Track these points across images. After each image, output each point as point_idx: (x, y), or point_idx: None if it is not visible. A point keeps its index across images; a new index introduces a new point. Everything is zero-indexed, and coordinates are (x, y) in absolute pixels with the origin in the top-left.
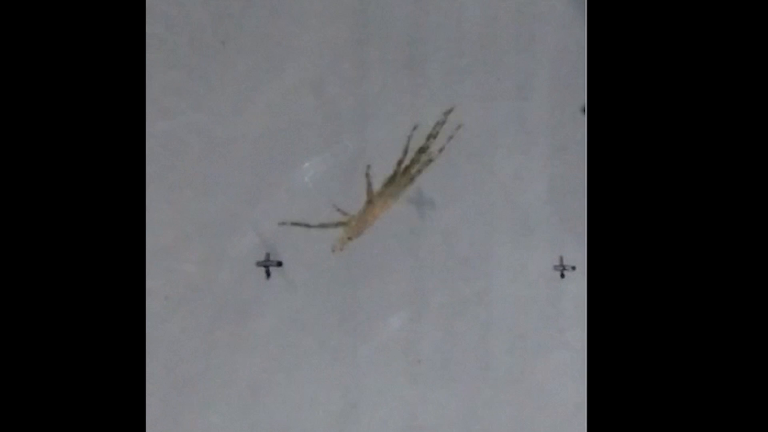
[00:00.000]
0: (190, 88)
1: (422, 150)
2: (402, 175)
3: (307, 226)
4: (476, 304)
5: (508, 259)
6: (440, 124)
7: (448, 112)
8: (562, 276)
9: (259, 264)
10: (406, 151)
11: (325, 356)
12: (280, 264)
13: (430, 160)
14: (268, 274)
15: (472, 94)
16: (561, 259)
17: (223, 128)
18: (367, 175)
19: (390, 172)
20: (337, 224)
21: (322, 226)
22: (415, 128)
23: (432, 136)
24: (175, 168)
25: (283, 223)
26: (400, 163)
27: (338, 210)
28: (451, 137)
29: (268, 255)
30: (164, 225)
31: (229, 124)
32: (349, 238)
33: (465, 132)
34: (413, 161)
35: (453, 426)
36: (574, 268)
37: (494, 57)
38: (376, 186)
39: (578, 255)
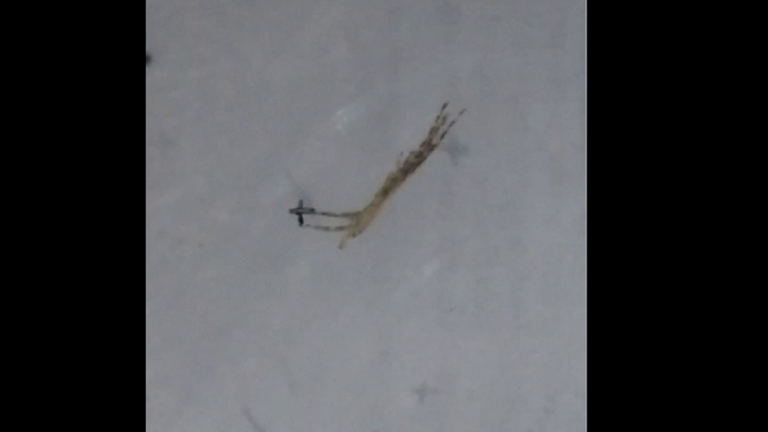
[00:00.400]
0: (223, 35)
1: (426, 144)
2: (412, 165)
3: (331, 214)
4: (509, 252)
5: (540, 206)
6: (441, 118)
7: (445, 106)
8: None
9: (292, 211)
10: (434, 132)
11: (358, 304)
12: (312, 211)
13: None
14: (301, 221)
15: (505, 41)
16: None
17: (256, 75)
18: (398, 161)
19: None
20: (344, 214)
21: (339, 227)
22: (445, 106)
23: (434, 130)
24: (208, 116)
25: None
26: (423, 144)
27: (328, 214)
28: (443, 134)
29: (301, 202)
30: (197, 173)
31: (261, 72)
32: (353, 235)
33: (498, 80)
34: (420, 155)
35: (485, 373)
36: None
37: (527, 4)
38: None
39: None
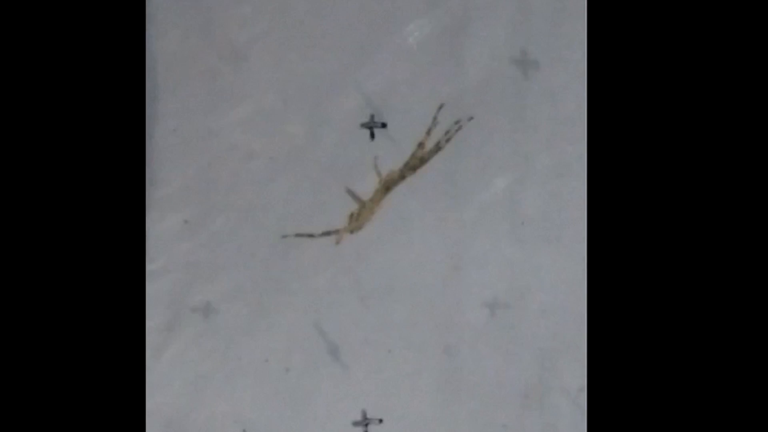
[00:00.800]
0: None
1: (421, 145)
2: (413, 159)
3: (311, 235)
4: (580, 165)
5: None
6: (435, 119)
7: (440, 107)
8: None
9: (363, 125)
10: (429, 133)
11: (430, 218)
12: (384, 125)
13: (424, 158)
14: (372, 135)
15: None
16: None
17: None
18: (375, 165)
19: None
20: (337, 231)
21: (326, 233)
22: (441, 107)
23: (428, 133)
24: (279, 30)
25: (286, 236)
26: (420, 145)
27: (351, 194)
28: (449, 138)
29: (372, 116)
30: (268, 88)
31: None
32: (351, 231)
33: None
34: (413, 155)
35: (556, 287)
36: None
37: None
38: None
39: None
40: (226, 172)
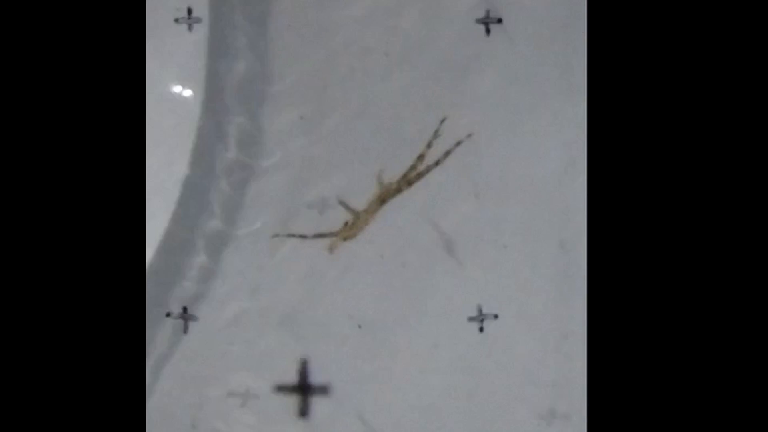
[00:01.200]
0: None
1: (420, 157)
2: (411, 172)
3: (303, 237)
4: None
5: None
6: (436, 132)
7: (443, 121)
8: None
9: (479, 21)
10: (429, 146)
11: (546, 113)
12: (500, 21)
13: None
14: (488, 30)
15: None
16: None
17: None
18: (378, 176)
19: None
20: (333, 233)
21: (320, 235)
22: (443, 121)
23: (429, 146)
24: None
25: (277, 236)
26: (420, 157)
27: (343, 205)
28: (449, 152)
29: (488, 12)
30: None
31: None
32: (345, 239)
33: None
34: (411, 168)
35: None
36: None
37: None
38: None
39: None
40: (340, 68)
